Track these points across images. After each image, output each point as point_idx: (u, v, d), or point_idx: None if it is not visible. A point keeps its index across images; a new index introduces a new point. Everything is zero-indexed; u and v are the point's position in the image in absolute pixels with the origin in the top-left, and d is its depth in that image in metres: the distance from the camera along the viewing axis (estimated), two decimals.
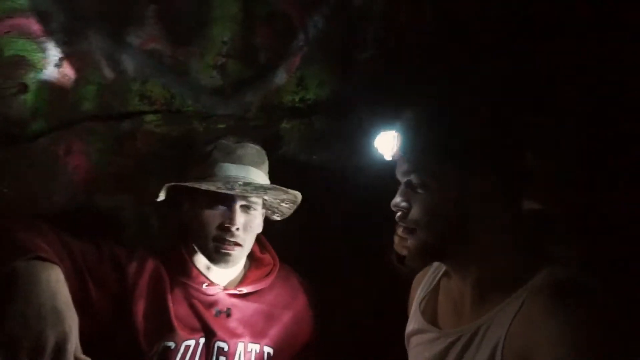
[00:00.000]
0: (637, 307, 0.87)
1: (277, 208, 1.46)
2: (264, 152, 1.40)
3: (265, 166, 1.39)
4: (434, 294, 1.09)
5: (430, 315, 1.05)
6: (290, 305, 1.38)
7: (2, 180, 1.28)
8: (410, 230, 0.96)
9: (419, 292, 1.12)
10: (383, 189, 1.34)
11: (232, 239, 1.27)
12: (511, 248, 0.93)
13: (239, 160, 1.32)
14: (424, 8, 1.40)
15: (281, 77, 1.50)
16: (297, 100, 1.54)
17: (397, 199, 0.98)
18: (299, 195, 1.38)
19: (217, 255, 1.28)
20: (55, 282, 0.97)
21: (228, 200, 1.28)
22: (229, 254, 1.28)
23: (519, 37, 1.33)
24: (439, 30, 1.37)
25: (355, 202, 1.57)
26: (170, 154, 1.44)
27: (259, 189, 1.29)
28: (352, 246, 1.58)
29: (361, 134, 1.58)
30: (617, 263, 1.08)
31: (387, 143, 1.01)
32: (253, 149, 1.37)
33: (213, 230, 1.27)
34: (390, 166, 1.15)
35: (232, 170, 1.30)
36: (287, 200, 1.42)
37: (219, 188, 1.24)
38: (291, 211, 1.46)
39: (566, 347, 0.76)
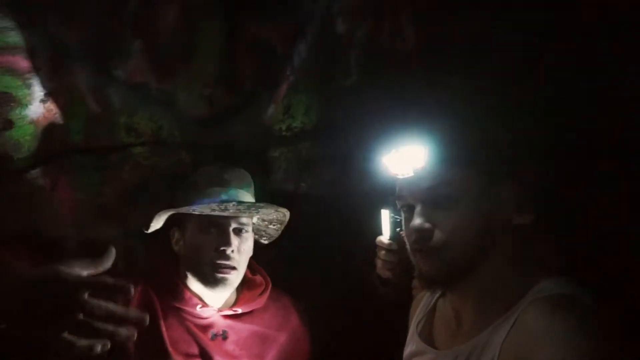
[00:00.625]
0: (629, 317, 0.87)
1: (264, 231, 1.47)
2: (248, 174, 1.42)
3: (252, 188, 1.41)
4: (431, 315, 1.08)
5: (427, 337, 1.05)
6: (284, 326, 1.38)
7: None
8: (429, 253, 0.91)
9: (417, 313, 1.12)
10: (372, 212, 1.35)
11: (227, 262, 1.28)
12: (510, 263, 0.92)
13: (226, 184, 1.34)
14: (406, 31, 1.43)
15: (268, 106, 1.51)
16: (284, 128, 1.56)
17: (419, 221, 0.91)
18: (287, 214, 1.40)
19: (213, 280, 1.28)
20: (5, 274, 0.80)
21: (221, 224, 1.29)
22: (225, 279, 1.28)
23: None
24: (423, 52, 1.40)
25: (345, 227, 1.57)
26: (158, 184, 1.44)
27: (251, 207, 1.31)
28: (342, 270, 1.57)
29: (348, 160, 1.59)
30: (610, 274, 1.07)
31: (406, 159, 0.94)
32: (239, 172, 1.39)
33: (208, 255, 1.28)
34: (378, 189, 1.15)
35: (222, 193, 1.31)
36: (275, 221, 1.43)
37: (213, 210, 1.26)
38: (278, 233, 1.46)
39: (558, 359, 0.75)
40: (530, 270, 0.92)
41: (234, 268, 1.29)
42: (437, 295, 1.08)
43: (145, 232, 1.30)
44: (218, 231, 1.29)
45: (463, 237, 0.89)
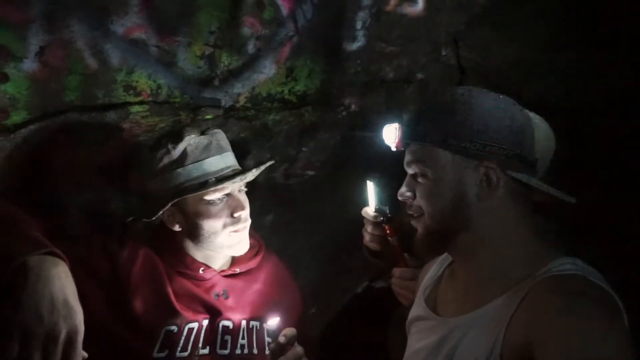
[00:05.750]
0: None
1: None
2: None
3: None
4: (438, 282, 1.11)
5: (432, 303, 1.07)
6: (278, 282, 1.42)
7: None
8: (416, 219, 1.00)
9: (425, 280, 1.14)
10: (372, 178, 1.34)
11: (243, 224, 1.28)
12: (518, 239, 0.94)
13: (220, 150, 1.29)
14: None
15: (270, 68, 1.48)
16: (286, 91, 1.53)
17: (402, 189, 1.02)
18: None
19: (235, 244, 1.29)
20: (65, 277, 0.98)
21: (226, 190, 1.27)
22: (244, 238, 1.30)
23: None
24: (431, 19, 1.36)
25: (344, 194, 1.56)
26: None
27: (248, 174, 1.29)
28: (340, 236, 1.58)
29: (351, 126, 1.57)
30: (625, 259, 1.08)
31: (390, 135, 1.05)
32: (221, 134, 1.34)
33: (224, 223, 1.26)
34: (378, 156, 1.14)
35: (220, 162, 1.28)
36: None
37: (224, 187, 1.24)
38: None
39: (570, 340, 0.76)
40: (542, 249, 0.93)
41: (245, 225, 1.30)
42: (446, 264, 1.11)
43: (149, 219, 1.24)
44: (226, 197, 1.26)
45: (433, 209, 0.97)
